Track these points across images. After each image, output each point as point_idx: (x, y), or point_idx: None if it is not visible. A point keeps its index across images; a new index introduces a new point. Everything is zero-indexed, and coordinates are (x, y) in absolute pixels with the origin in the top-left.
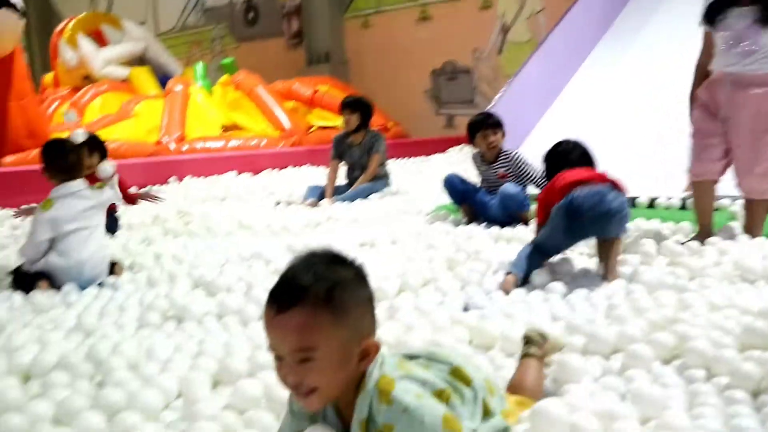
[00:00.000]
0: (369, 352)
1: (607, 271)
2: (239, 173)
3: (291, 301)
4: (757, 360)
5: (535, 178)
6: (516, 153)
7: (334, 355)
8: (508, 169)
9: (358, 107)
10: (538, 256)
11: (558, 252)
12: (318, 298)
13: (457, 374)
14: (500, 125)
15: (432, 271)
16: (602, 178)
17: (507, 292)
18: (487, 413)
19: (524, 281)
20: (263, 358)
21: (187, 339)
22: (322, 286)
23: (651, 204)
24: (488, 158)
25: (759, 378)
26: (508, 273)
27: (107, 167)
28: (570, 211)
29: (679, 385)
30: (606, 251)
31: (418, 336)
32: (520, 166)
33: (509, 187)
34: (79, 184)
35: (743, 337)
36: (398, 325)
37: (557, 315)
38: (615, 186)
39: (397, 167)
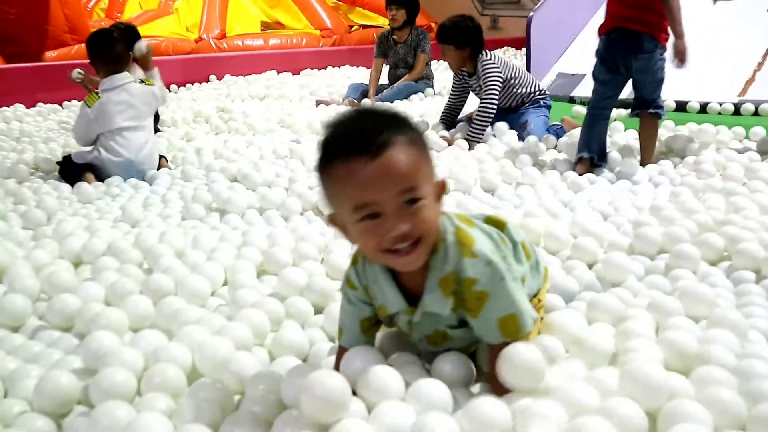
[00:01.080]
0: (440, 192)
1: (642, 158)
2: (279, 72)
3: (383, 143)
4: None
5: (486, 92)
6: (484, 63)
7: (432, 191)
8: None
9: (404, 3)
10: (599, 122)
11: (612, 100)
12: (408, 134)
13: (491, 221)
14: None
15: (480, 170)
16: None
17: (581, 175)
18: (527, 256)
19: (599, 159)
20: (307, 249)
21: (231, 231)
22: (404, 124)
23: (703, 109)
24: (469, 69)
25: None
26: (579, 158)
27: (141, 44)
28: (607, 43)
29: (727, 286)
30: (643, 134)
31: None
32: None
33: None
34: (125, 76)
35: None
36: None
37: (602, 214)
38: (651, 35)
39: (439, 69)
